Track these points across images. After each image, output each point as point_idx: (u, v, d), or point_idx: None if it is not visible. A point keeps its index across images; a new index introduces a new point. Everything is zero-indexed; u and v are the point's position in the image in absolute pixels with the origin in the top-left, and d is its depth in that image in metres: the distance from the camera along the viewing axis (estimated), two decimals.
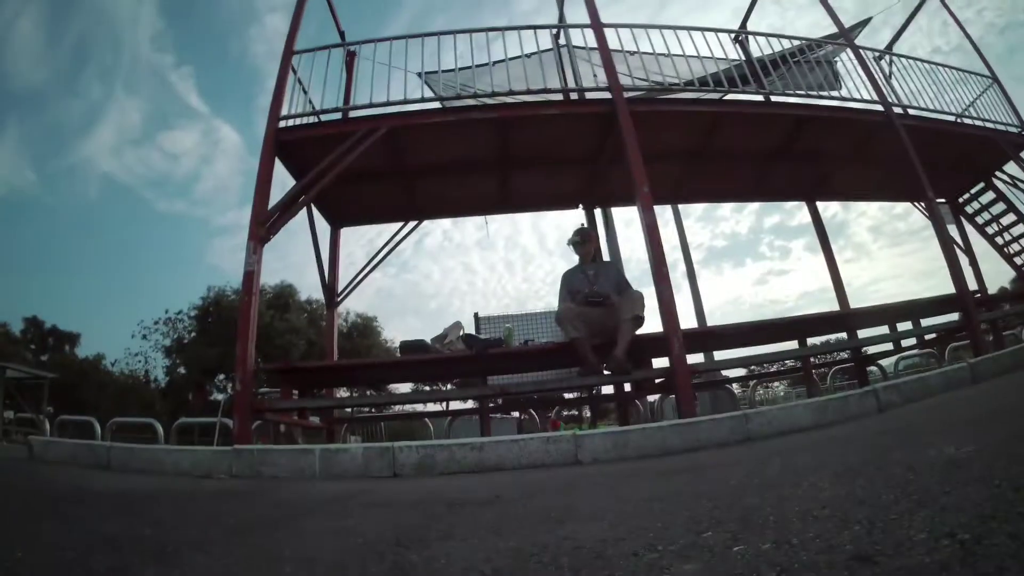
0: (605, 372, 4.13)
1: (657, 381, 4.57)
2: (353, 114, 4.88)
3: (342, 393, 7.15)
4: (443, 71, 5.06)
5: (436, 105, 4.97)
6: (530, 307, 7.77)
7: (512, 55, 4.93)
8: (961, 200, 7.24)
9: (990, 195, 6.97)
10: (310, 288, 28.90)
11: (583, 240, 4.70)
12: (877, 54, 6.50)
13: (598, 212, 6.39)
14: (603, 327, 4.13)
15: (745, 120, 5.32)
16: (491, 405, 5.67)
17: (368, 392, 7.53)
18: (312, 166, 4.42)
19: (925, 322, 5.46)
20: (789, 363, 7.28)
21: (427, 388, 17.46)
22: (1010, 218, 6.88)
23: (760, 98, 5.62)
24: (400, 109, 4.72)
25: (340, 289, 6.04)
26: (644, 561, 0.82)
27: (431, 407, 7.30)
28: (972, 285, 5.99)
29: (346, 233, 6.47)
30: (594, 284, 4.38)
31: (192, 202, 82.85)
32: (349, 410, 7.07)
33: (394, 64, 4.75)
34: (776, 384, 19.90)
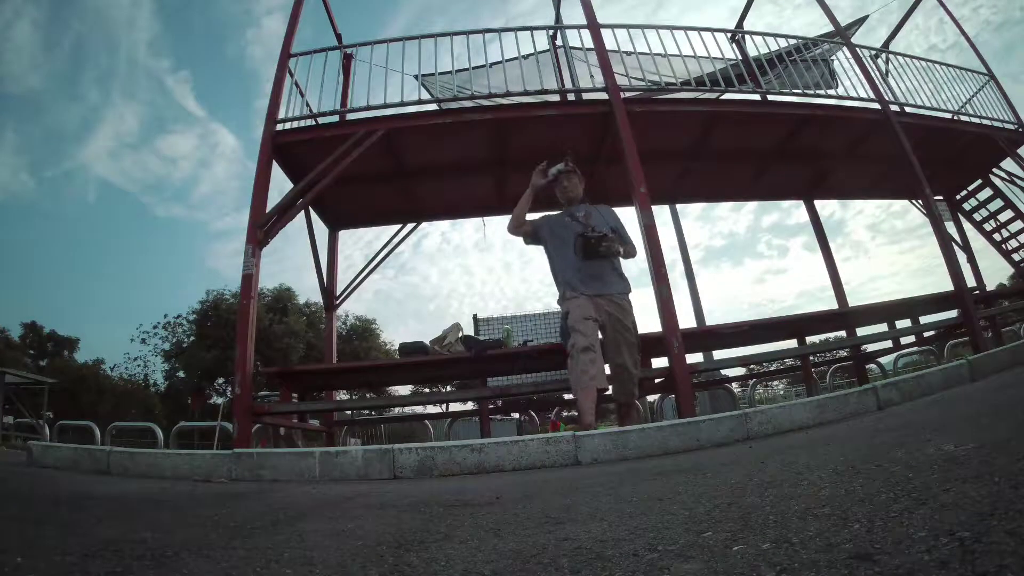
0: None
1: (657, 381, 4.57)
2: (350, 116, 4.89)
3: (341, 396, 7.14)
4: (440, 73, 5.07)
5: (433, 107, 4.97)
6: (528, 308, 7.76)
7: (509, 56, 4.93)
8: (958, 197, 7.26)
9: (987, 192, 6.99)
10: (309, 291, 28.97)
11: (573, 168, 3.76)
12: (874, 52, 6.52)
13: None
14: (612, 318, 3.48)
15: (742, 119, 5.33)
16: (491, 407, 5.67)
17: (368, 395, 7.52)
18: (310, 169, 4.42)
19: (924, 319, 5.47)
20: (788, 362, 7.29)
21: (427, 390, 17.49)
22: (1007, 215, 6.91)
23: (757, 97, 5.63)
24: (397, 111, 4.72)
25: (339, 292, 6.05)
26: (644, 561, 0.82)
27: (431, 409, 7.30)
28: (970, 282, 6.00)
29: (344, 236, 6.49)
30: (587, 225, 3.62)
31: (190, 206, 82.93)
32: (349, 413, 7.06)
33: (391, 66, 4.75)
34: (775, 383, 19.90)
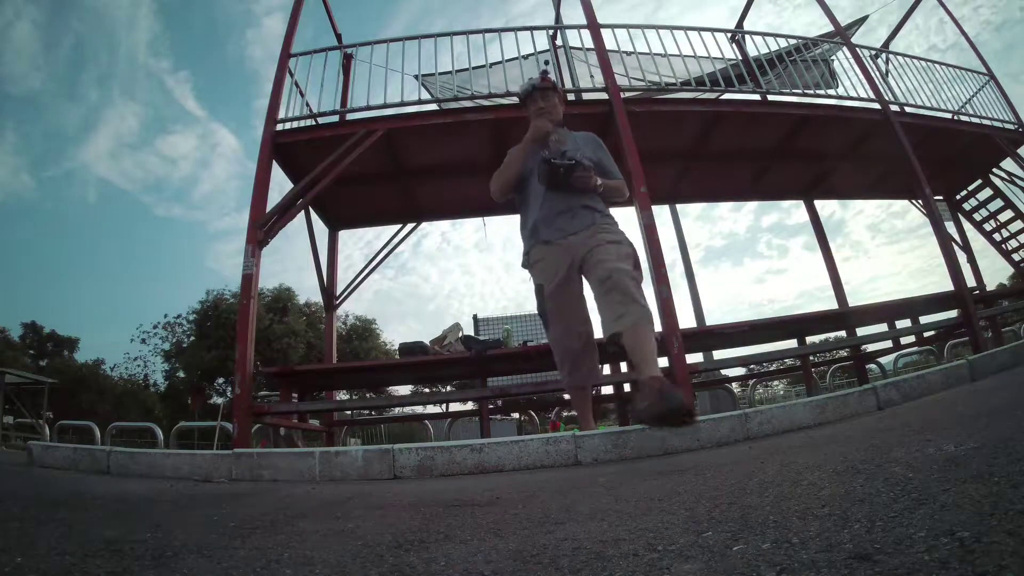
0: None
1: None
2: (350, 116, 4.89)
3: (341, 396, 7.15)
4: (440, 73, 5.08)
5: (433, 107, 4.97)
6: (528, 308, 7.77)
7: (509, 57, 4.94)
8: (958, 197, 7.26)
9: (987, 192, 6.99)
10: (309, 291, 28.98)
11: (552, 84, 3.08)
12: (874, 52, 6.52)
13: None
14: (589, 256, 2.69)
15: (742, 119, 5.33)
16: (491, 407, 5.67)
17: (367, 394, 7.52)
18: (310, 169, 4.42)
19: (924, 319, 5.48)
20: (788, 362, 7.29)
21: (427, 390, 17.50)
22: (1007, 215, 6.91)
23: (757, 97, 5.63)
24: (397, 111, 4.73)
25: (339, 292, 6.05)
26: (644, 561, 0.82)
27: (431, 409, 7.30)
28: (970, 282, 6.00)
29: (344, 236, 6.50)
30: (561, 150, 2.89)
31: (190, 206, 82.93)
32: (349, 413, 7.06)
33: (391, 66, 4.76)
34: (775, 383, 19.92)
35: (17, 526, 1.40)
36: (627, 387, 5.25)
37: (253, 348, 3.95)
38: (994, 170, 6.76)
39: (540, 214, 2.85)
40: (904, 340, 5.88)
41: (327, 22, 6.15)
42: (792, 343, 5.16)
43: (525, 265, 3.02)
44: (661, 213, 11.14)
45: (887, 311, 5.35)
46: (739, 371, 7.03)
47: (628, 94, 4.86)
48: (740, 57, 6.19)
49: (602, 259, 2.66)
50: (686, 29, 5.26)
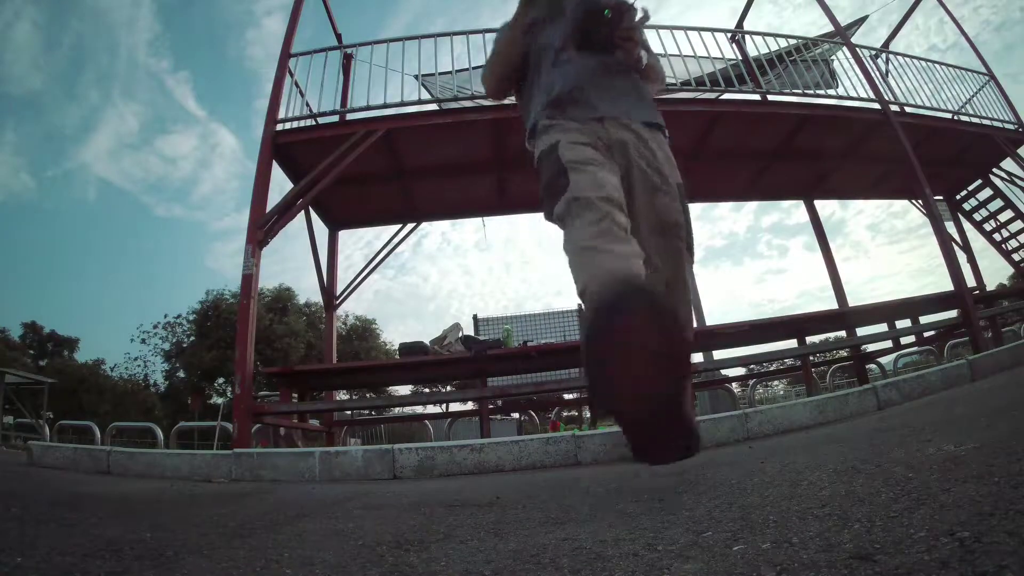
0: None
1: None
2: (350, 117, 4.89)
3: (341, 396, 7.15)
4: (440, 73, 5.08)
5: (433, 107, 4.98)
6: (528, 308, 7.78)
7: None
8: (959, 197, 7.27)
9: (987, 192, 6.99)
10: (309, 291, 28.94)
11: None
12: (874, 52, 6.53)
13: None
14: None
15: (742, 119, 5.33)
16: (491, 407, 5.67)
17: (368, 394, 7.53)
18: (310, 169, 4.43)
19: (924, 319, 5.48)
20: (788, 362, 7.29)
21: (427, 390, 17.50)
22: (1007, 215, 6.92)
23: (757, 97, 5.63)
24: (397, 111, 4.74)
25: (339, 292, 6.05)
26: (644, 561, 0.82)
27: (431, 409, 7.30)
28: (970, 282, 6.00)
29: (344, 236, 6.51)
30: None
31: (190, 206, 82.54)
32: (349, 413, 7.07)
33: (391, 66, 4.76)
34: (775, 383, 19.91)
35: (17, 526, 1.40)
36: None
37: (253, 348, 3.95)
38: (994, 170, 6.77)
39: (558, 89, 1.80)
40: (904, 340, 5.88)
41: (327, 22, 6.16)
42: (792, 343, 5.16)
43: (530, 140, 1.93)
44: None
45: (887, 311, 5.35)
46: (739, 371, 7.03)
47: None
48: (740, 57, 6.19)
49: (645, 211, 1.81)
50: (686, 29, 5.26)
